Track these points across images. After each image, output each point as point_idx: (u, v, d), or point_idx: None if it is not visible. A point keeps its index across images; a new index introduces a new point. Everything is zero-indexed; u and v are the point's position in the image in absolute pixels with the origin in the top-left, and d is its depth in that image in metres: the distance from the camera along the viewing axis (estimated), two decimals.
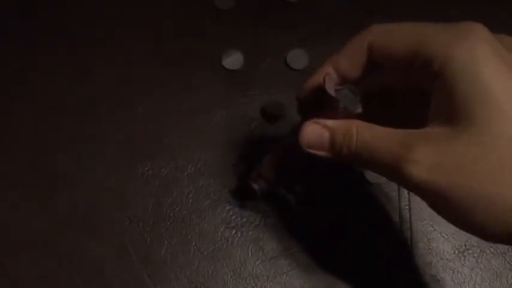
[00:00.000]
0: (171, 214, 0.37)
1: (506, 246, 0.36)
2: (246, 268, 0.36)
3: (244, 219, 0.37)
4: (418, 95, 0.28)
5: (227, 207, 0.37)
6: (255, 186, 0.35)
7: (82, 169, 0.38)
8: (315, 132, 0.29)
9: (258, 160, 0.35)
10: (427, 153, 0.24)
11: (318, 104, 0.29)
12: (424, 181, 0.24)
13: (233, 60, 0.42)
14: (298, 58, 0.43)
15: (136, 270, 0.35)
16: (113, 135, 0.39)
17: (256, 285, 0.35)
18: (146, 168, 0.38)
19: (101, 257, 0.36)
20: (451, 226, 0.26)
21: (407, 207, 0.38)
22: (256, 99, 0.41)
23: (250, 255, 0.36)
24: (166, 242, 0.36)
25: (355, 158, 0.27)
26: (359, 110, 0.28)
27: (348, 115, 0.28)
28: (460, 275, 0.36)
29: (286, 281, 0.35)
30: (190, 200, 0.38)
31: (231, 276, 0.36)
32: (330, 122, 0.28)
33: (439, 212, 0.26)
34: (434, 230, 0.37)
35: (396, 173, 0.25)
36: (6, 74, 0.41)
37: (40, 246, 0.36)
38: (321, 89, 0.28)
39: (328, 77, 0.28)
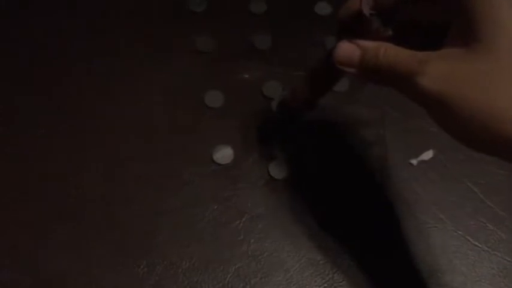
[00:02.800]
0: None
1: None
2: None
3: None
4: (441, 28, 0.31)
5: None
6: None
7: (77, 270, 0.39)
8: (348, 49, 0.33)
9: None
10: (438, 67, 0.29)
11: (354, 27, 0.33)
12: (431, 90, 0.28)
13: (223, 154, 0.44)
14: None
15: None
16: (105, 235, 0.40)
17: None
18: (141, 267, 0.39)
19: None
20: None
21: None
22: (245, 194, 0.42)
23: None
24: None
25: (377, 72, 0.31)
26: (389, 33, 0.32)
27: (379, 37, 0.32)
28: None
29: None
30: None
31: None
32: (362, 42, 0.32)
33: (437, 120, 0.30)
34: None
35: (408, 82, 0.30)
36: None
37: None
38: (358, 12, 0.32)
39: (365, 0, 0.32)
